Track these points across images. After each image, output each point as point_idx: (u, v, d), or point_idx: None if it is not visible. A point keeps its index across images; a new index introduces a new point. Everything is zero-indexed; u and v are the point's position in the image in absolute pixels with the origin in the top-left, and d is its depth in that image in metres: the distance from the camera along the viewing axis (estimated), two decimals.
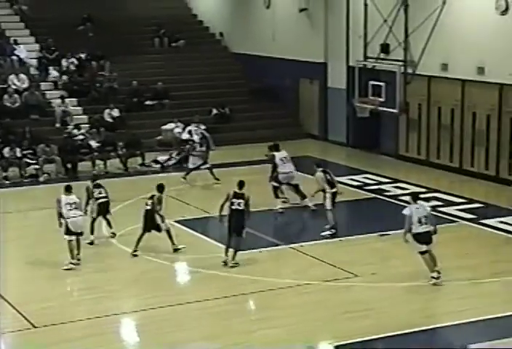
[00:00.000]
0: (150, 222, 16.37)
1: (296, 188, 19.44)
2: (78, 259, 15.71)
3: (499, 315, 13.11)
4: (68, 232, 15.62)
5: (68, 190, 15.96)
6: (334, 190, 17.53)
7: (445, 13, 22.20)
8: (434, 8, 22.38)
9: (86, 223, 16.42)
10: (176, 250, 16.43)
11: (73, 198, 15.87)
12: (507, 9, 20.93)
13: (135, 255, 16.29)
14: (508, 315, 13.14)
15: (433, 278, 14.51)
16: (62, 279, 15.30)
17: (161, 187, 16.67)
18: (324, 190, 17.55)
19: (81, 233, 15.88)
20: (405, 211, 14.69)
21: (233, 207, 15.54)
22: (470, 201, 20.00)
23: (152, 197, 16.51)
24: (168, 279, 15.45)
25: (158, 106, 28.24)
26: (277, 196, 19.34)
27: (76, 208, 15.74)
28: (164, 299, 14.08)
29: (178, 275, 16.12)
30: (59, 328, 13.06)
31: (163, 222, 16.42)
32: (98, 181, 17.85)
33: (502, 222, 18.24)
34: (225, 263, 15.62)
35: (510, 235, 17.36)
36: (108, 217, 17.49)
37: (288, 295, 14.32)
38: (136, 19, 32.04)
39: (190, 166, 22.44)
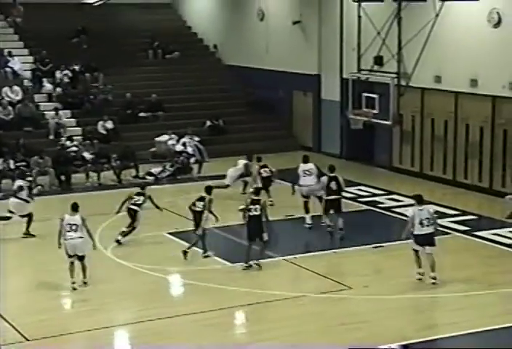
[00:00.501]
0: (198, 224, 16.75)
1: (320, 200, 18.87)
2: (84, 283, 15.27)
3: (495, 327, 13.12)
4: (67, 253, 15.21)
5: (74, 209, 15.31)
6: (330, 197, 17.70)
7: (438, 25, 22.33)
8: (427, 20, 22.51)
9: (87, 246, 15.41)
10: (206, 257, 16.83)
11: (75, 218, 15.20)
12: (499, 22, 21.07)
13: (207, 256, 16.79)
14: (504, 327, 13.14)
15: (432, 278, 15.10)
16: (56, 292, 15.25)
17: (209, 189, 16.98)
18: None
19: (81, 257, 15.21)
20: (408, 213, 15.31)
21: (251, 213, 15.98)
22: (464, 213, 20.05)
23: (202, 199, 16.75)
24: (162, 291, 15.42)
25: (152, 118, 28.27)
26: (307, 211, 18.90)
27: (75, 230, 15.10)
28: (159, 311, 14.05)
29: (172, 288, 16.09)
30: (52, 341, 13.00)
31: (201, 226, 16.74)
32: (144, 190, 18.20)
33: (495, 234, 18.28)
34: (248, 266, 16.05)
35: (503, 247, 17.39)
36: (135, 224, 17.82)
37: (282, 307, 14.32)
38: (130, 31, 32.14)
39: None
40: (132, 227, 17.92)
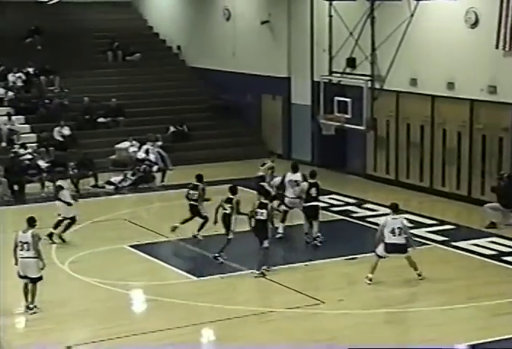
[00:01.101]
0: (228, 226, 17.01)
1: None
2: (29, 308, 14.70)
3: (476, 342, 13.19)
4: (18, 273, 14.80)
5: (29, 224, 14.77)
6: (309, 204, 18.17)
7: (413, 26, 22.48)
8: (402, 20, 22.65)
9: (36, 268, 14.89)
10: (215, 258, 17.16)
11: (26, 236, 14.64)
12: (476, 22, 21.29)
13: (216, 258, 17.11)
14: (483, 342, 13.22)
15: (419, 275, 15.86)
16: (8, 309, 15.07)
17: (234, 188, 17.31)
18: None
19: (32, 279, 14.68)
20: (380, 221, 15.87)
21: (257, 217, 16.39)
22: (442, 223, 20.19)
23: (230, 200, 16.97)
24: (123, 308, 15.30)
25: (111, 124, 28.16)
26: (283, 221, 18.96)
27: (27, 249, 14.56)
28: (120, 329, 13.94)
29: (134, 304, 15.98)
30: None
31: (232, 230, 17.00)
32: (199, 183, 18.73)
33: (474, 244, 18.43)
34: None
35: (483, 258, 17.52)
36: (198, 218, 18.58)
37: (251, 324, 14.27)
38: (88, 31, 32.04)
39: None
40: (204, 220, 18.45)
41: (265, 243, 16.41)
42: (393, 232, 15.49)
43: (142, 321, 14.79)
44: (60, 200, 18.84)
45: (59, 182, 19.39)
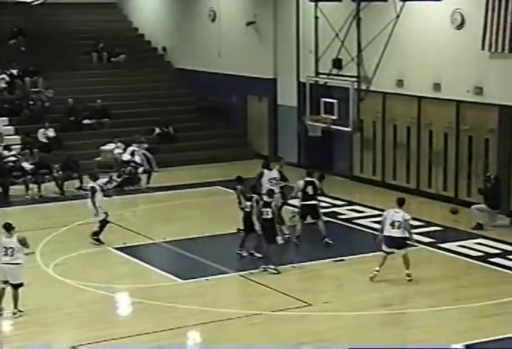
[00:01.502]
0: (249, 225, 17.11)
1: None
2: (14, 313, 14.57)
3: (464, 343, 13.16)
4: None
5: (7, 229, 14.49)
6: (306, 202, 18.29)
7: (399, 27, 22.50)
8: (388, 21, 22.66)
9: (21, 273, 14.78)
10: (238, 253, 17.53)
11: (11, 241, 14.44)
12: (463, 23, 21.30)
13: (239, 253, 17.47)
14: (471, 343, 13.20)
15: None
16: None
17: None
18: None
19: (15, 285, 14.51)
20: (383, 213, 16.29)
21: (263, 217, 16.62)
22: (429, 224, 20.17)
23: (250, 199, 17.07)
24: (108, 311, 15.22)
25: (96, 125, 28.04)
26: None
27: (10, 254, 14.37)
28: (104, 332, 13.86)
29: (119, 307, 15.89)
30: None
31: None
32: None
33: (461, 246, 18.43)
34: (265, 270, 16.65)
35: (470, 260, 17.52)
36: None
37: (237, 326, 14.22)
38: (72, 32, 31.91)
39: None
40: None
41: (279, 240, 16.67)
42: (392, 224, 15.83)
43: (127, 324, 14.70)
44: (93, 204, 18.65)
45: (91, 184, 19.03)
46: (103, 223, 18.62)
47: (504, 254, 17.66)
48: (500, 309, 14.73)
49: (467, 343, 13.10)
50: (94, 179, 19.35)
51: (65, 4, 32.57)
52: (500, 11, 20.03)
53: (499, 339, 13.31)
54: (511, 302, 15.06)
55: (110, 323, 14.45)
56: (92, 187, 18.84)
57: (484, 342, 13.21)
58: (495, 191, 19.88)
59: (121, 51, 31.70)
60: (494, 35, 20.20)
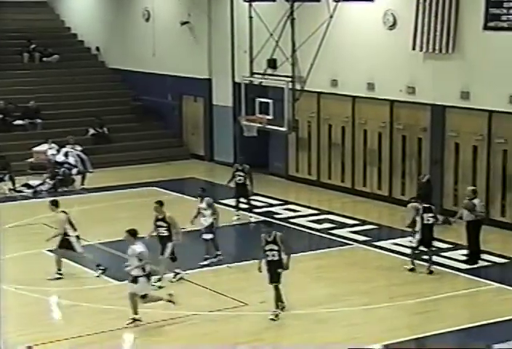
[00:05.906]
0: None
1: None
2: None
3: (392, 341, 13.38)
4: None
5: None
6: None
7: (333, 27, 22.68)
8: (321, 22, 22.83)
9: None
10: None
11: None
12: (394, 23, 21.64)
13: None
14: (401, 341, 13.42)
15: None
16: None
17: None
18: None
19: None
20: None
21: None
22: (364, 223, 20.44)
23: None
24: (42, 314, 15.09)
25: (29, 126, 27.74)
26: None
27: None
28: (38, 336, 13.75)
29: (54, 310, 15.78)
30: None
31: None
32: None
33: (395, 243, 18.71)
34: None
35: (404, 258, 17.78)
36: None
37: (172, 328, 14.22)
38: (2, 32, 31.44)
39: None
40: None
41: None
42: None
43: (59, 328, 14.59)
44: None
45: None
46: None
47: (436, 251, 17.96)
48: (433, 306, 15.03)
49: (385, 343, 13.28)
50: None
51: None
52: (430, 12, 20.43)
53: (418, 338, 13.59)
54: (443, 299, 15.38)
55: (42, 327, 14.32)
56: None
57: (401, 342, 13.35)
58: (428, 191, 20.22)
59: (53, 51, 31.38)
60: (425, 36, 20.59)
